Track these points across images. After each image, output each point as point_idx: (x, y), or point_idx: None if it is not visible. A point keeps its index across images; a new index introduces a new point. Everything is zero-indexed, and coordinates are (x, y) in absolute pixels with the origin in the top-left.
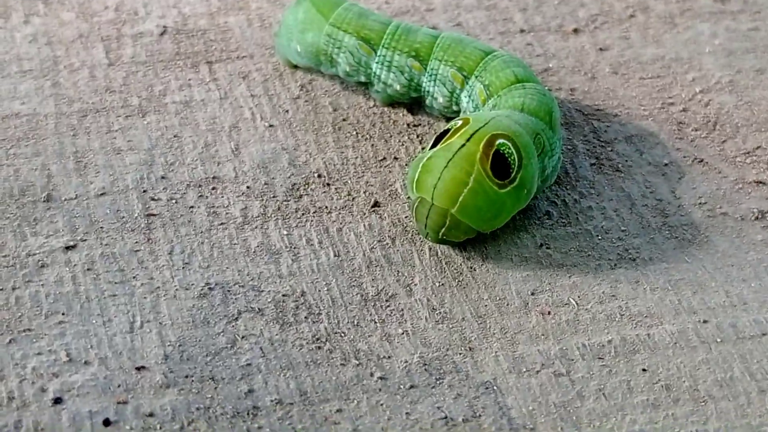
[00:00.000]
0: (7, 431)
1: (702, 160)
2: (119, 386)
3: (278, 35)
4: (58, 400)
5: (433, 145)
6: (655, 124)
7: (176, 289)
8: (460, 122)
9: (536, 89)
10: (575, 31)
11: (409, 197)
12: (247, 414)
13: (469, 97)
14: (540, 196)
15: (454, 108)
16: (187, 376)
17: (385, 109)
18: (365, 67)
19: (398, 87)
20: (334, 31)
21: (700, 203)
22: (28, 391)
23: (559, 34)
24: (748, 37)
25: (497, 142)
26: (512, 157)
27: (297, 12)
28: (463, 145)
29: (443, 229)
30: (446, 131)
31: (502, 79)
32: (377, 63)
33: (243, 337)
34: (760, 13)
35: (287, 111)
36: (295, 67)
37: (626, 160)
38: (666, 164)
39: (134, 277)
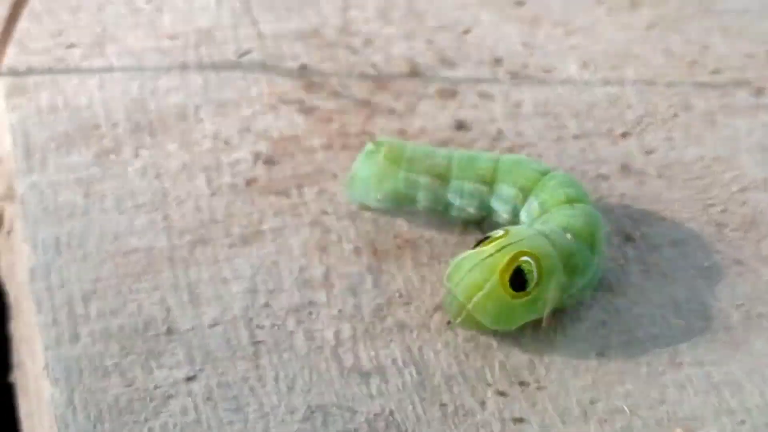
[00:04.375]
0: None
1: (740, 261)
2: None
3: (352, 186)
4: None
5: (475, 247)
6: (696, 226)
7: (283, 413)
8: (501, 232)
9: (584, 210)
10: (623, 135)
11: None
12: None
13: (527, 212)
14: (594, 305)
15: (516, 222)
16: None
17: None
18: (442, 198)
19: (472, 210)
20: (410, 176)
21: (738, 305)
22: None
23: (609, 139)
24: None
25: (521, 259)
26: (531, 275)
27: (369, 165)
28: (491, 255)
29: (460, 319)
30: (487, 237)
31: (555, 198)
32: (452, 193)
33: None
34: None
35: (368, 232)
36: (370, 208)
37: (671, 265)
38: (707, 267)
39: (247, 404)
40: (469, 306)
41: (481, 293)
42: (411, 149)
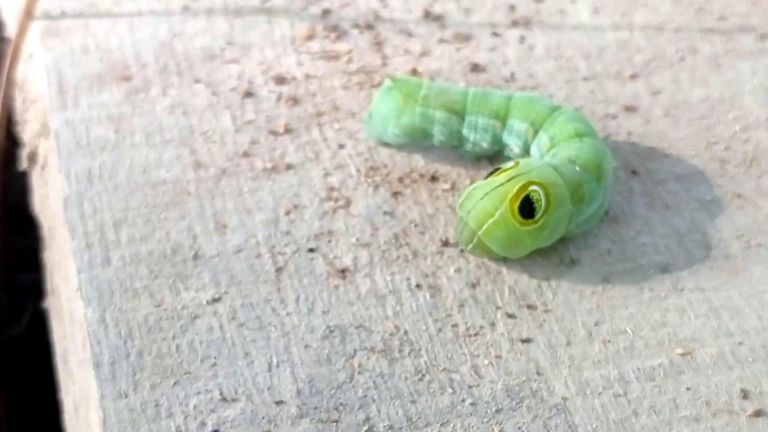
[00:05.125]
0: None
1: (740, 195)
2: (263, 418)
3: (370, 123)
4: None
5: (486, 178)
6: (700, 162)
7: (303, 333)
8: (511, 164)
9: (592, 143)
10: (632, 77)
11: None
12: None
13: (537, 146)
14: (600, 234)
15: (526, 156)
16: (316, 408)
17: (470, 161)
18: (457, 133)
19: (485, 144)
20: (426, 111)
21: (738, 236)
22: (191, 425)
23: (618, 81)
24: None
25: (530, 188)
26: (539, 203)
27: (387, 102)
28: (502, 184)
29: (471, 245)
30: (498, 168)
31: (564, 132)
32: (466, 128)
33: (359, 372)
34: None
35: (386, 166)
36: (387, 144)
37: (675, 198)
38: (709, 200)
39: (269, 323)
40: (480, 233)
41: (491, 220)
42: (427, 86)
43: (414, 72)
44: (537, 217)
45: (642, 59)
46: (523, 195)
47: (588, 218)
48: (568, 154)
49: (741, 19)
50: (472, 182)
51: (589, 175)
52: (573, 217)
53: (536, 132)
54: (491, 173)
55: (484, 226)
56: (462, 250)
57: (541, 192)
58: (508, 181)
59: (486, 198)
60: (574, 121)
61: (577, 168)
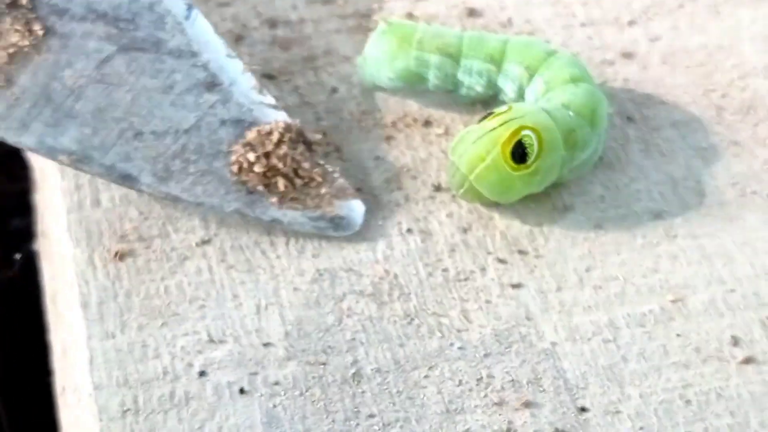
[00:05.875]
0: (163, 399)
1: (737, 143)
2: (250, 360)
3: (365, 66)
4: (202, 373)
5: (480, 122)
6: (697, 109)
7: (293, 276)
8: (504, 108)
9: (586, 88)
10: (630, 23)
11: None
12: (353, 381)
13: (533, 91)
14: (594, 180)
15: (521, 100)
16: (304, 350)
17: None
18: (452, 77)
19: (480, 89)
20: (421, 54)
21: (733, 183)
22: (178, 366)
23: (616, 27)
24: None
25: (522, 133)
26: (531, 148)
27: (381, 45)
28: (494, 129)
29: (462, 189)
30: (490, 112)
31: (559, 77)
32: (461, 72)
33: (348, 316)
34: None
35: (379, 110)
36: (382, 89)
37: (671, 145)
38: (705, 148)
39: (259, 266)
40: (471, 177)
41: (482, 165)
42: (422, 29)
43: (410, 16)
44: (529, 162)
45: (640, 5)
46: (515, 140)
47: (581, 164)
48: (562, 99)
49: None
50: (465, 127)
51: (583, 121)
52: (565, 163)
53: (532, 76)
54: (484, 117)
55: (476, 171)
56: (454, 195)
57: (533, 137)
58: (501, 125)
59: (478, 142)
60: (570, 65)
61: (570, 113)
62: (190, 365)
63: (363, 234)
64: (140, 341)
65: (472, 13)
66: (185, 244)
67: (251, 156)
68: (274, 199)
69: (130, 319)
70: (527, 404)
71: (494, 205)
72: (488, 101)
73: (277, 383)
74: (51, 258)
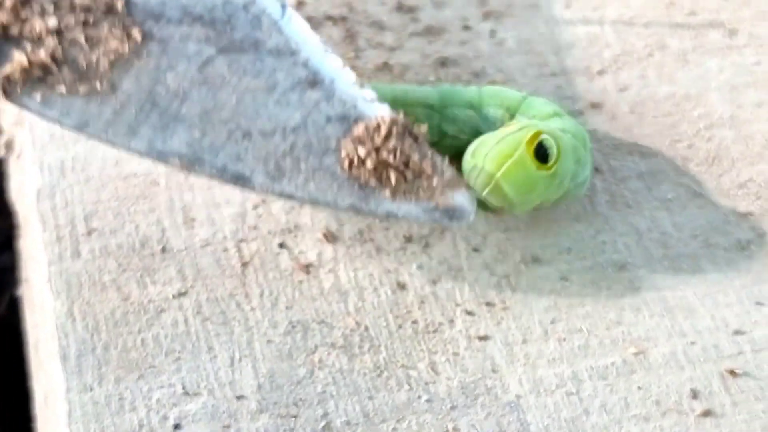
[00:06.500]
0: None
1: (701, 194)
2: (224, 413)
3: None
4: (177, 426)
5: None
6: (663, 160)
7: (266, 328)
8: (514, 123)
9: (571, 121)
10: (600, 72)
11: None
12: None
13: None
14: (561, 232)
15: None
16: (275, 403)
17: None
18: (436, 128)
19: (464, 136)
20: (406, 110)
21: (695, 235)
22: (154, 419)
23: (586, 76)
24: (751, 71)
25: (542, 137)
26: (552, 150)
27: None
28: (515, 132)
29: (488, 189)
30: None
31: (543, 113)
32: (445, 122)
33: (319, 368)
34: (762, 47)
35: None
36: None
37: (637, 197)
38: (670, 199)
39: (233, 318)
40: (499, 174)
41: (510, 161)
42: (395, 88)
43: (385, 65)
44: (550, 163)
45: (611, 54)
46: (536, 141)
47: (580, 183)
48: (557, 126)
49: (710, 15)
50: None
51: (579, 143)
52: (573, 176)
53: (512, 116)
54: None
55: (504, 167)
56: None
57: (552, 141)
58: (520, 129)
59: (502, 142)
60: (548, 104)
61: (568, 135)
62: (165, 418)
63: (336, 285)
64: (117, 394)
65: (445, 62)
66: (162, 296)
67: (361, 151)
68: (387, 193)
69: (108, 372)
70: None
71: (463, 256)
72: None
73: None
74: (33, 306)
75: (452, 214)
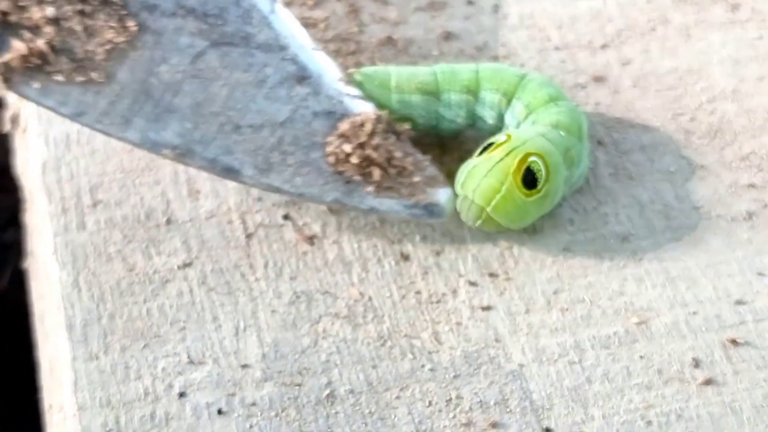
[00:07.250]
0: (144, 420)
1: (703, 166)
2: (229, 381)
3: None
4: (182, 395)
5: (480, 154)
6: (665, 133)
7: (271, 298)
8: (504, 138)
9: (567, 106)
10: (602, 47)
11: (456, 194)
12: (327, 402)
13: (512, 115)
14: (564, 204)
15: (499, 125)
16: (280, 372)
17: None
18: (434, 113)
19: (461, 120)
20: (402, 97)
21: (698, 207)
22: (159, 387)
23: (589, 50)
24: (753, 45)
25: (530, 160)
26: (540, 173)
27: (365, 90)
28: (502, 159)
29: (480, 221)
30: (490, 144)
31: (539, 98)
32: (442, 106)
33: (323, 338)
34: (765, 21)
35: None
36: None
37: (639, 169)
38: (672, 171)
39: (238, 289)
40: (489, 209)
41: (498, 196)
42: (396, 72)
43: (389, 40)
44: (539, 186)
45: (614, 29)
46: (524, 167)
47: (577, 179)
48: (549, 120)
49: None
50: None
51: (573, 138)
52: (567, 181)
53: (509, 101)
54: (484, 149)
55: (492, 203)
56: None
57: (540, 162)
58: (507, 155)
59: (489, 174)
60: (545, 86)
61: (561, 133)
62: (171, 386)
63: (340, 257)
64: (123, 363)
65: (449, 36)
66: (167, 266)
67: (347, 147)
68: (370, 189)
69: (114, 341)
70: (494, 425)
71: (467, 227)
72: (467, 131)
73: (254, 404)
74: (38, 278)
75: (432, 210)
